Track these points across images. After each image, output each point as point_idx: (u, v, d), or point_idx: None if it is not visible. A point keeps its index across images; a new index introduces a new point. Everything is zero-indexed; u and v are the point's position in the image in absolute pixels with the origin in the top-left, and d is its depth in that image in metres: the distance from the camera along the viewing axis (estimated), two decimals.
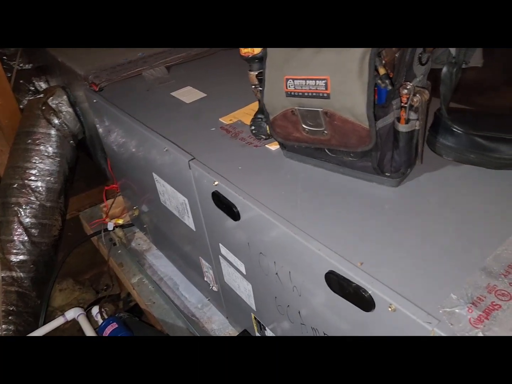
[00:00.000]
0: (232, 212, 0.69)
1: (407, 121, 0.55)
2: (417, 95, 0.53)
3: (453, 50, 0.52)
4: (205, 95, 1.00)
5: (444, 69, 0.55)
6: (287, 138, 0.64)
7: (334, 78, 0.52)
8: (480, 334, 0.43)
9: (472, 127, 0.59)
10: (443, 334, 0.44)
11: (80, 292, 1.72)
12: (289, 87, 0.57)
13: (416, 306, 0.46)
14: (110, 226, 1.32)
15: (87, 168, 1.69)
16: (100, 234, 1.33)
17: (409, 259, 0.53)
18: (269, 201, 0.65)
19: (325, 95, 0.53)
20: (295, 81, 0.56)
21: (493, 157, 0.59)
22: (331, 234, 0.57)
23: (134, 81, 1.12)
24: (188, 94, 1.01)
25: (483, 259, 0.51)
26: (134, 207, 1.25)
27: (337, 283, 0.53)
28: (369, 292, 0.50)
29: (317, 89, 0.54)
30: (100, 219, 1.39)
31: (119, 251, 1.34)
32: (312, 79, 0.54)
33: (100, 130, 1.17)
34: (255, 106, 0.91)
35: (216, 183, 0.71)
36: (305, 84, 0.55)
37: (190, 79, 1.09)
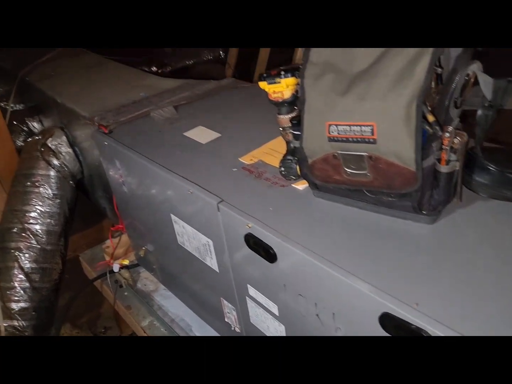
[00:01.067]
0: (268, 254, 0.69)
1: (448, 162, 0.57)
2: (457, 137, 0.56)
3: (488, 95, 0.55)
4: (219, 135, 1.00)
5: (480, 112, 0.57)
6: (326, 181, 0.65)
7: (380, 124, 0.54)
8: None
9: (506, 165, 0.61)
10: None
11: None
12: (332, 132, 0.58)
13: None
14: (116, 267, 1.28)
15: (83, 207, 1.66)
16: (105, 276, 1.29)
17: (462, 298, 0.53)
18: (307, 242, 0.65)
19: (371, 140, 0.55)
20: (338, 127, 0.57)
21: None
22: (377, 274, 0.58)
23: (142, 122, 1.12)
24: (202, 134, 1.02)
25: None
26: (142, 247, 1.23)
27: (393, 325, 0.53)
28: (429, 333, 0.50)
29: (362, 135, 0.55)
30: (103, 261, 1.35)
31: (126, 293, 1.31)
32: (357, 125, 0.55)
33: (107, 171, 1.15)
34: (272, 145, 0.92)
35: (250, 225, 0.71)
36: (350, 130, 0.56)
37: (199, 118, 1.10)
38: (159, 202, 0.97)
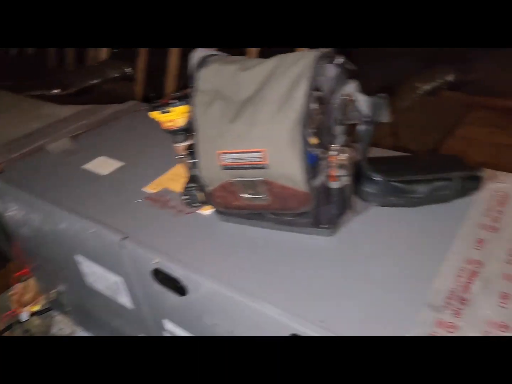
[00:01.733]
0: (177, 287, 0.67)
1: (338, 178, 0.60)
2: (343, 153, 0.58)
3: (365, 110, 0.58)
4: (123, 163, 0.96)
5: (361, 127, 0.61)
6: (227, 207, 0.65)
7: (269, 149, 0.55)
8: None
9: (389, 174, 0.66)
10: None
11: None
12: (225, 160, 0.58)
13: None
14: (25, 316, 1.18)
15: None
16: (12, 328, 1.18)
17: (361, 306, 0.56)
18: (216, 271, 0.64)
19: (263, 165, 0.56)
20: (230, 155, 0.57)
21: (410, 197, 0.66)
22: (285, 296, 0.58)
23: (37, 157, 1.05)
24: (103, 165, 0.97)
25: (424, 295, 0.56)
26: (53, 290, 1.14)
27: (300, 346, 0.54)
28: None
29: (254, 161, 0.56)
30: (11, 310, 1.23)
31: None
32: (248, 152, 0.56)
33: (4, 214, 1.06)
34: (177, 170, 0.90)
35: (155, 261, 0.68)
36: (241, 157, 0.56)
37: (100, 148, 1.04)
38: (62, 243, 0.90)
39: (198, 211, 0.77)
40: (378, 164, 0.66)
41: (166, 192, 0.84)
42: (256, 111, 0.55)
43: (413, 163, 0.72)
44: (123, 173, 0.93)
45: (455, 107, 2.25)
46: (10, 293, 1.30)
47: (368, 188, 0.66)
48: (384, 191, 0.66)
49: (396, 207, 0.68)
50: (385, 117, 0.59)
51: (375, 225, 0.68)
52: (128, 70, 3.11)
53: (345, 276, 0.61)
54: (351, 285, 0.59)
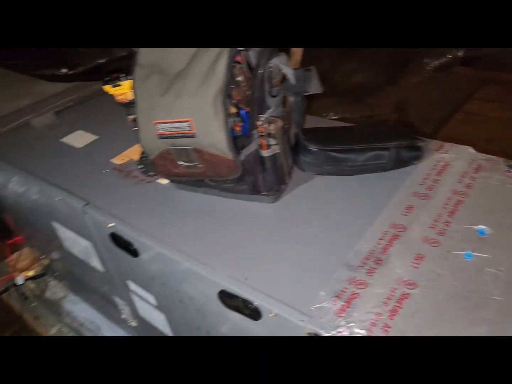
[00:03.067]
0: (130, 250, 0.73)
1: (268, 146, 0.63)
2: (272, 124, 0.61)
3: (293, 82, 0.61)
4: (97, 137, 1.02)
5: (291, 99, 0.63)
6: (168, 174, 0.69)
7: (195, 119, 0.58)
8: (343, 323, 0.51)
9: (325, 144, 0.68)
10: (315, 329, 0.51)
11: None
12: (160, 130, 0.62)
13: (292, 308, 0.54)
14: (20, 280, 1.27)
15: None
16: (9, 291, 1.27)
17: (287, 267, 0.60)
18: (162, 234, 0.69)
19: (191, 134, 0.60)
20: (163, 124, 0.61)
21: (346, 166, 0.69)
22: (220, 257, 0.63)
23: (22, 132, 1.11)
24: (79, 139, 1.03)
25: (345, 255, 0.60)
26: (43, 256, 1.22)
27: (229, 300, 0.59)
28: (255, 304, 0.56)
29: (183, 130, 0.60)
30: (7, 275, 1.33)
31: (34, 304, 1.30)
32: (177, 122, 0.60)
33: None
34: None
35: (110, 225, 0.74)
36: (173, 127, 0.60)
37: (81, 122, 1.10)
38: (42, 211, 0.97)
39: (158, 181, 0.82)
40: (315, 134, 0.69)
41: (131, 163, 0.89)
42: (184, 85, 0.59)
43: (351, 134, 0.74)
44: (96, 146, 0.99)
45: (465, 83, 2.21)
46: (7, 260, 1.39)
47: (305, 158, 0.69)
48: (320, 160, 0.69)
49: (332, 175, 0.71)
50: (315, 88, 0.62)
51: (312, 193, 0.71)
52: (135, 49, 3.18)
53: (277, 238, 0.65)
54: (281, 246, 0.63)
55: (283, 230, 0.66)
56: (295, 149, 0.70)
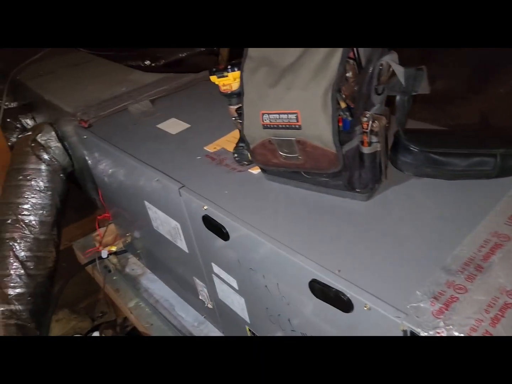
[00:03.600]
0: (221, 233, 0.76)
1: (370, 144, 0.64)
2: (376, 121, 0.62)
3: (402, 81, 0.61)
4: (189, 125, 1.07)
5: (398, 98, 0.63)
6: (266, 164, 0.72)
7: (303, 111, 0.60)
8: (442, 324, 0.51)
9: (426, 145, 0.67)
10: (412, 326, 0.51)
11: (77, 321, 1.75)
12: (265, 120, 0.65)
13: (387, 304, 0.54)
14: (104, 254, 1.36)
15: (77, 199, 1.74)
16: (95, 262, 1.38)
17: (380, 263, 0.60)
18: (254, 221, 0.72)
19: (297, 126, 0.62)
20: (270, 115, 0.64)
21: (446, 169, 0.68)
22: (312, 246, 0.65)
23: (120, 116, 1.20)
24: (173, 126, 1.09)
25: (443, 260, 0.59)
26: (127, 234, 1.31)
27: (320, 290, 0.60)
28: (347, 295, 0.57)
29: (289, 122, 0.62)
30: (94, 248, 1.44)
31: (114, 278, 1.39)
32: (285, 113, 0.62)
33: (91, 163, 1.23)
34: (236, 133, 0.99)
35: (205, 207, 0.78)
36: (279, 118, 0.63)
37: (174, 111, 1.16)
38: (135, 191, 1.04)
39: (249, 170, 0.85)
40: (416, 135, 0.68)
41: (223, 152, 0.93)
42: (295, 77, 0.61)
43: (454, 137, 0.72)
44: (189, 134, 1.04)
45: None
46: (94, 234, 1.51)
47: (404, 158, 0.69)
48: (419, 161, 0.68)
49: (431, 178, 0.70)
50: (424, 88, 0.61)
51: (408, 194, 0.70)
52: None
53: (370, 235, 0.65)
54: (374, 243, 0.64)
55: (376, 228, 0.66)
56: (394, 148, 0.70)
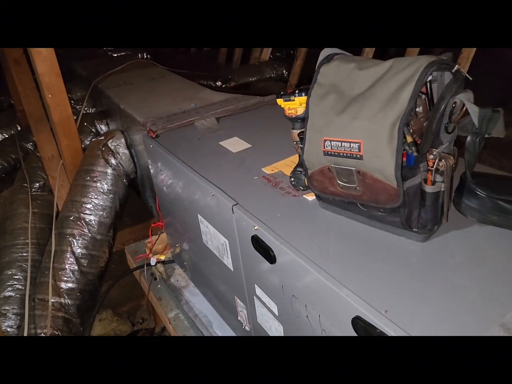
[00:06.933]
0: (269, 255, 0.76)
1: (433, 183, 0.61)
2: (443, 160, 0.59)
3: (476, 122, 0.58)
4: (250, 145, 1.09)
5: (468, 139, 0.60)
6: (323, 191, 0.71)
7: (367, 142, 0.59)
8: None
9: (495, 191, 0.63)
10: None
11: (118, 323, 1.80)
12: (327, 147, 0.64)
13: None
14: (153, 261, 1.40)
15: (133, 205, 1.82)
16: (143, 268, 1.42)
17: (431, 311, 0.56)
18: (304, 248, 0.70)
19: (358, 156, 0.60)
20: (332, 142, 0.63)
21: None
22: (359, 282, 0.62)
23: (187, 130, 1.24)
24: (235, 144, 1.11)
25: (502, 316, 0.54)
26: (177, 245, 1.34)
27: (363, 328, 0.58)
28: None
29: (351, 151, 0.61)
30: (144, 254, 1.48)
31: (159, 286, 1.42)
32: (347, 142, 0.61)
33: (152, 172, 1.28)
34: (295, 158, 0.99)
35: (256, 227, 0.78)
36: (341, 146, 0.62)
37: (237, 130, 1.19)
38: (190, 203, 1.07)
39: (304, 196, 0.85)
40: (484, 179, 0.64)
41: (280, 175, 0.94)
42: (363, 107, 0.60)
43: None
44: (249, 153, 1.05)
45: None
46: (146, 241, 1.56)
47: (469, 202, 0.65)
48: (486, 207, 0.64)
49: (497, 226, 0.65)
50: (498, 132, 0.58)
51: (470, 240, 0.66)
52: (284, 72, 3.46)
53: (423, 279, 0.61)
54: (426, 288, 0.60)
55: (431, 272, 0.63)
56: (459, 190, 0.66)
